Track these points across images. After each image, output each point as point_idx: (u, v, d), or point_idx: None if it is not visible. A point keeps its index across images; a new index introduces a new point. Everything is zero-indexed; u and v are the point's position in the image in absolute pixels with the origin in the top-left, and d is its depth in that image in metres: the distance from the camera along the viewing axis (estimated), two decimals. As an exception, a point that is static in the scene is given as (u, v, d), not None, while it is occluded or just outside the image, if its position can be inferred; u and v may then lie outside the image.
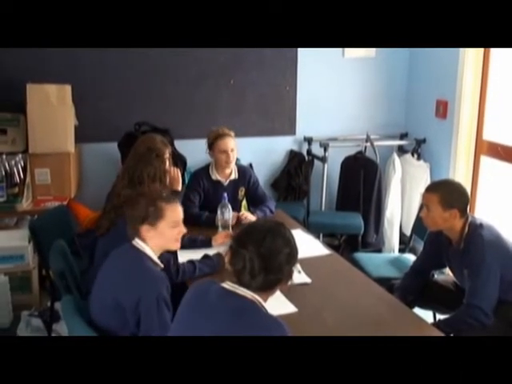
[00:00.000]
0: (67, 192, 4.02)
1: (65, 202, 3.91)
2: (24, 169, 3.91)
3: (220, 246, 3.02)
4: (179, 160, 4.15)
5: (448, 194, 2.71)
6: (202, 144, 3.76)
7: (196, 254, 2.88)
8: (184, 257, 2.80)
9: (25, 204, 3.87)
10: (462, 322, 2.60)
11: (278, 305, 1.95)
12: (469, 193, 2.84)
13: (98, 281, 2.34)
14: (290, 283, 1.89)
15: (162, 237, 2.34)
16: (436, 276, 3.28)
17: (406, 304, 2.70)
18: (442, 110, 4.64)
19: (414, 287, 3.02)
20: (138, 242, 2.32)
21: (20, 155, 3.91)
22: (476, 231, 2.70)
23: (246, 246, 1.78)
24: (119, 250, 2.35)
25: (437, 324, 2.63)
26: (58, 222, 3.41)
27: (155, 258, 2.33)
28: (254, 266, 1.75)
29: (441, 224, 2.76)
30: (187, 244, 3.00)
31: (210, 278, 1.99)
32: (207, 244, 3.04)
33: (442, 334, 2.35)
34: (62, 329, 3.41)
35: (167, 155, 3.08)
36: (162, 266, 2.36)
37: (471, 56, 4.30)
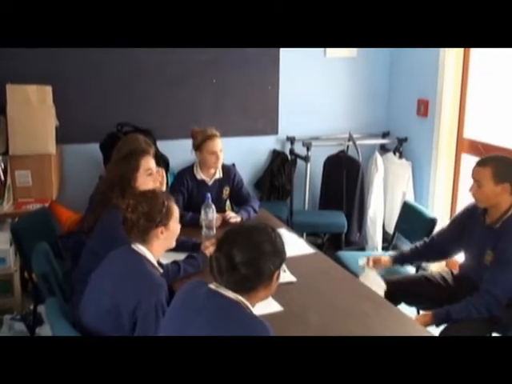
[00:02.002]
0: (49, 194, 3.99)
1: (46, 204, 3.87)
2: (4, 171, 3.87)
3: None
4: (162, 160, 4.14)
5: (500, 168, 2.70)
6: (184, 144, 3.76)
7: (179, 255, 2.89)
8: (168, 257, 2.81)
9: (6, 206, 3.83)
10: (475, 308, 2.60)
11: (263, 304, 1.95)
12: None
13: (93, 284, 2.29)
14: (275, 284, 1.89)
15: (172, 235, 2.38)
16: (420, 272, 3.31)
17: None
18: (423, 108, 4.69)
19: (425, 255, 3.13)
20: (138, 246, 2.29)
21: (0, 157, 3.87)
22: None
23: (220, 248, 1.79)
24: (117, 253, 2.31)
25: (447, 310, 2.63)
26: (39, 224, 3.38)
27: (155, 262, 2.31)
28: (222, 264, 1.76)
29: (492, 199, 2.73)
30: (180, 245, 2.99)
31: (200, 278, 1.99)
32: (198, 248, 2.99)
33: (426, 333, 2.38)
34: (45, 332, 3.39)
35: (148, 152, 3.04)
36: (162, 271, 2.35)
37: (451, 55, 4.36)
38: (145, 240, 2.29)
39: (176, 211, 2.39)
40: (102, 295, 2.20)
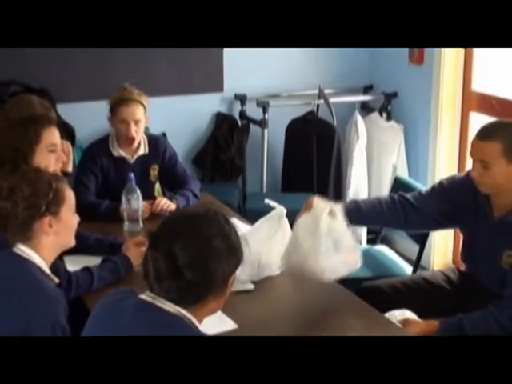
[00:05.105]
0: None
1: None
2: None
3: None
4: (65, 131, 4.10)
5: None
6: (94, 108, 3.74)
7: (93, 259, 2.88)
8: (77, 262, 2.80)
9: None
10: (496, 322, 2.56)
11: (212, 321, 1.96)
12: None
13: None
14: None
15: (65, 229, 2.34)
16: (419, 272, 3.38)
17: None
18: (418, 53, 4.75)
19: (395, 219, 2.95)
20: (21, 250, 2.25)
21: None
22: None
23: (158, 245, 1.78)
24: None
25: (459, 319, 2.59)
26: None
27: (47, 269, 2.28)
28: (161, 267, 1.75)
29: (503, 183, 2.64)
30: (93, 246, 3.00)
31: (127, 287, 1.99)
32: (118, 249, 2.95)
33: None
34: None
35: (51, 122, 3.03)
36: (57, 280, 2.33)
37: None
38: (28, 237, 2.25)
39: (70, 196, 2.36)
40: None
